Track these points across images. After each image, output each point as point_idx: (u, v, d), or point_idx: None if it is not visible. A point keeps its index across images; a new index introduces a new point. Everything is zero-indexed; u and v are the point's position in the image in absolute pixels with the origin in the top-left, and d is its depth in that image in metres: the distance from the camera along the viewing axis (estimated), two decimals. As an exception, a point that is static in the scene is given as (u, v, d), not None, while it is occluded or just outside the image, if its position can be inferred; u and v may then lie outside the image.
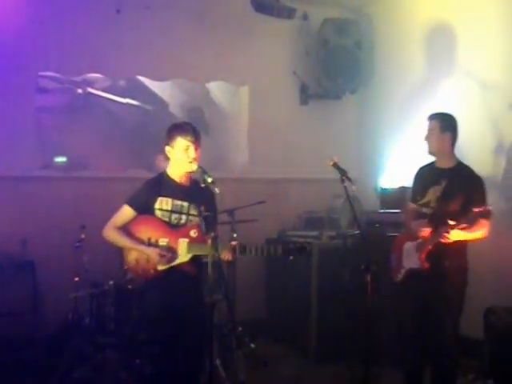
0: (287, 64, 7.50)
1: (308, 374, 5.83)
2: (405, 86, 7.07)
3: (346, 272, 6.09)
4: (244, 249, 4.15)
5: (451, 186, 4.56)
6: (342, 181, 4.30)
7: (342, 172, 4.33)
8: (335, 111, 7.74)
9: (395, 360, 5.14)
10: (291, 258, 4.12)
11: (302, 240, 4.57)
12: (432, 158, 4.81)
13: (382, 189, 7.03)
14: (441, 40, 6.64)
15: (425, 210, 4.66)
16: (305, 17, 7.41)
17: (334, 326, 6.05)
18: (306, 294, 6.25)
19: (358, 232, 5.69)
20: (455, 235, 4.35)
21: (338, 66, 7.29)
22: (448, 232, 4.31)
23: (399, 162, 7.04)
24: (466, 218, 4.30)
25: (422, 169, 4.91)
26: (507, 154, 5.89)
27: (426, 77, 6.81)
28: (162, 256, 4.09)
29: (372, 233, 5.36)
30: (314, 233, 6.59)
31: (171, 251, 4.13)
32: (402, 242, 4.79)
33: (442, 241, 4.36)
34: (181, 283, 4.17)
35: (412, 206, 4.84)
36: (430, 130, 4.70)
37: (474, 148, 6.09)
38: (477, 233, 4.46)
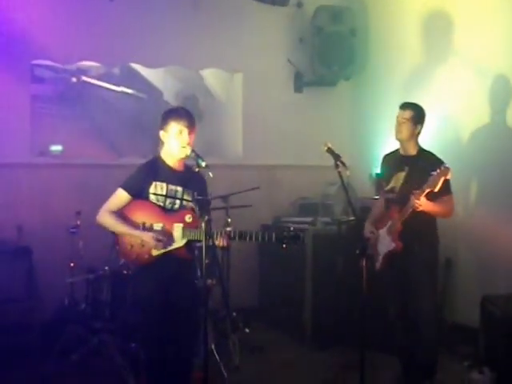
0: (281, 51, 7.50)
1: (303, 360, 5.86)
2: (399, 73, 7.06)
3: (339, 258, 6.13)
4: (239, 235, 4.10)
5: (414, 171, 4.71)
6: (337, 166, 4.26)
7: (336, 157, 4.30)
8: (330, 98, 7.73)
9: (392, 347, 5.16)
10: (284, 246, 4.06)
11: (296, 226, 4.53)
12: (396, 145, 4.99)
13: (377, 175, 7.03)
14: (437, 26, 6.59)
15: (390, 195, 4.79)
16: (299, 4, 7.42)
17: (329, 313, 6.09)
18: (301, 280, 6.28)
19: (353, 218, 5.71)
20: (425, 204, 4.46)
21: (332, 53, 7.28)
22: (418, 198, 4.42)
23: (394, 148, 7.03)
24: (427, 182, 4.42)
25: (386, 156, 5.11)
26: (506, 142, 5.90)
27: (422, 64, 6.79)
28: (158, 240, 4.07)
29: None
30: (309, 219, 6.63)
31: (167, 235, 4.12)
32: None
33: (415, 209, 4.47)
34: (174, 269, 4.16)
35: (382, 194, 5.05)
36: (404, 118, 4.81)
37: (473, 135, 6.13)
38: (443, 206, 4.64)
